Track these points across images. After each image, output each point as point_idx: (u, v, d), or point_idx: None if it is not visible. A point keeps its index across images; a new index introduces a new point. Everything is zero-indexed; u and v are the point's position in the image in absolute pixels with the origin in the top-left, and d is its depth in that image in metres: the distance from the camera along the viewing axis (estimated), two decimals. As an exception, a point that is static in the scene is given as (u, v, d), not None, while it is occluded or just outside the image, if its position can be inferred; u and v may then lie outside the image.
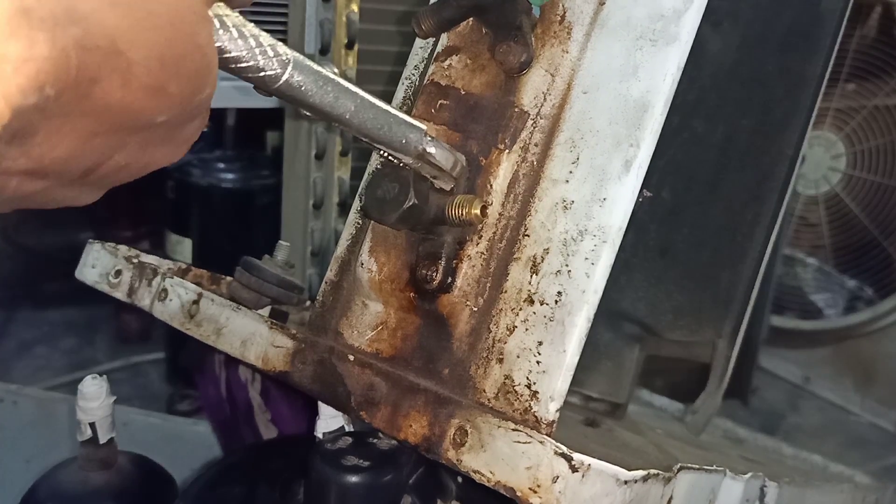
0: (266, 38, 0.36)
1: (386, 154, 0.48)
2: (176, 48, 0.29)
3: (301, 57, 0.39)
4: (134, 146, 0.31)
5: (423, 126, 0.48)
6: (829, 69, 0.76)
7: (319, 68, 0.40)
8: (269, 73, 0.37)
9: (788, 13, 0.72)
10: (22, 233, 1.89)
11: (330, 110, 0.41)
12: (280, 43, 0.37)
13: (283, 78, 0.37)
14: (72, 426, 0.68)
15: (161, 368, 1.69)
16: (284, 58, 0.37)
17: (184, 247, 1.51)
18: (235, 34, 0.35)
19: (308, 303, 0.76)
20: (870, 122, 1.89)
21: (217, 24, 0.34)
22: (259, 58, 0.36)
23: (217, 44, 0.34)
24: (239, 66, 0.36)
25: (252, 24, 0.36)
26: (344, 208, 1.20)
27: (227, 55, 0.35)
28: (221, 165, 1.55)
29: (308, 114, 0.42)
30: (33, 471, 0.69)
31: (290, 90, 0.38)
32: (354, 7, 1.15)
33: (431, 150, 0.49)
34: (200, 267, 0.75)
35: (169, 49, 0.29)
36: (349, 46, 1.15)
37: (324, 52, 1.14)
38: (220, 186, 1.54)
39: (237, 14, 0.35)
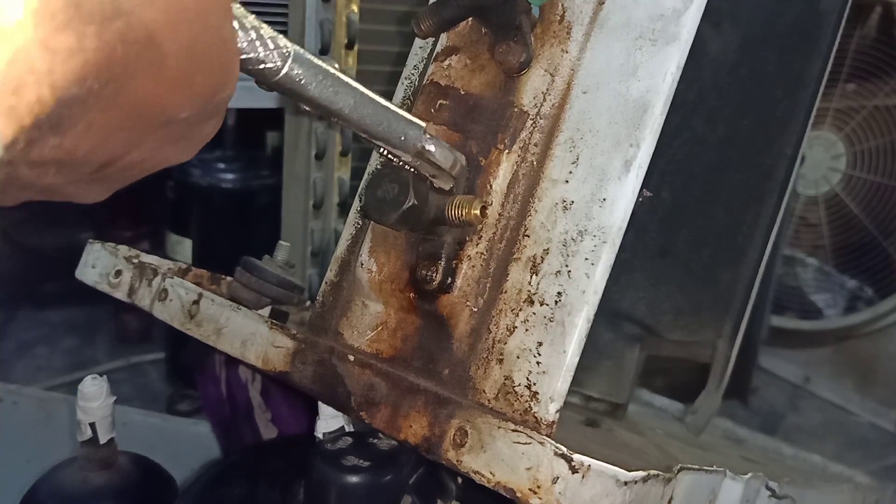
0: (267, 31, 0.36)
1: (385, 151, 0.48)
2: (203, 42, 0.30)
3: (301, 50, 0.38)
4: (152, 142, 0.32)
5: (422, 123, 0.48)
6: (829, 69, 0.76)
7: (320, 62, 0.40)
8: (269, 65, 0.37)
9: (788, 13, 0.72)
10: (22, 233, 1.89)
11: (329, 105, 0.41)
12: (281, 35, 0.37)
13: (284, 71, 0.37)
14: (72, 426, 0.68)
15: (161, 368, 1.69)
16: (285, 50, 0.37)
17: (184, 247, 1.51)
18: (236, 26, 0.35)
19: (308, 303, 0.76)
20: (870, 122, 1.89)
21: None
22: (260, 50, 0.36)
23: None
24: (240, 58, 0.35)
25: (253, 17, 0.36)
26: (344, 208, 1.20)
27: None
28: (221, 165, 1.55)
29: (307, 108, 0.42)
30: (33, 471, 0.69)
31: (290, 83, 0.38)
32: (354, 7, 1.15)
33: (430, 147, 0.49)
34: (200, 267, 0.75)
35: (197, 43, 0.29)
36: (349, 46, 1.15)
37: (324, 52, 1.14)
38: (220, 186, 1.53)
39: (238, 5, 0.35)
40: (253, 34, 0.35)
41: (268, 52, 0.36)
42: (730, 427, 1.11)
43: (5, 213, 1.89)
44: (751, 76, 0.71)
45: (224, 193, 1.54)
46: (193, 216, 1.53)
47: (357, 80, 0.43)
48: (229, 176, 1.54)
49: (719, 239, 0.75)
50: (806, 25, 0.74)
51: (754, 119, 0.73)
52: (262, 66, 0.36)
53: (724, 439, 1.07)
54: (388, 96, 0.57)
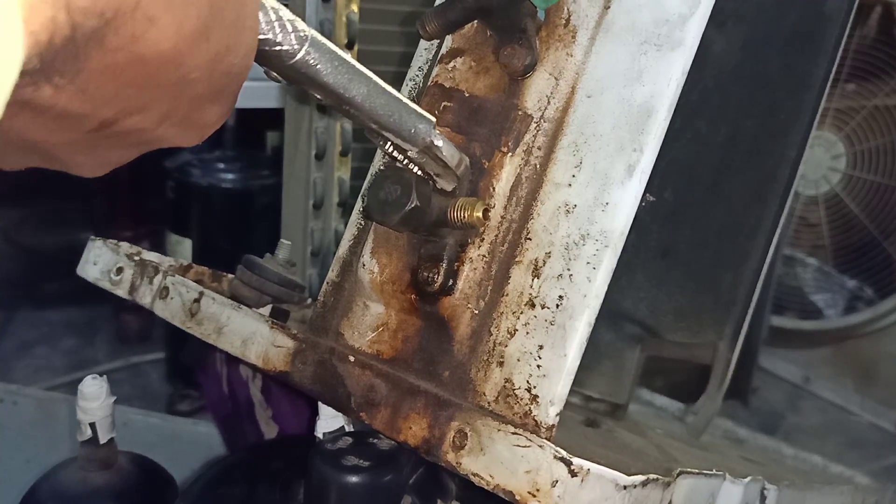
0: (286, 13, 0.35)
1: (392, 147, 0.47)
2: None
3: (318, 35, 0.38)
4: (156, 110, 0.31)
5: (432, 118, 0.47)
6: (834, 71, 0.76)
7: (336, 48, 0.39)
8: (285, 48, 0.36)
9: (793, 14, 0.71)
10: (22, 233, 1.89)
11: (342, 92, 0.40)
12: (299, 19, 0.36)
13: (300, 55, 0.36)
14: (72, 426, 0.68)
15: (161, 368, 1.69)
16: (303, 34, 0.36)
17: (184, 247, 1.51)
18: None
19: (309, 300, 0.76)
20: (870, 122, 1.89)
21: None
22: (277, 31, 0.35)
23: None
24: (258, 35, 0.35)
25: None
26: (344, 209, 1.20)
27: None
28: (221, 165, 1.55)
29: (318, 96, 0.41)
30: (33, 471, 0.69)
31: (305, 67, 0.37)
32: (354, 7, 1.14)
33: (439, 143, 0.48)
34: (200, 267, 0.75)
35: None
36: (349, 46, 1.15)
37: (324, 51, 1.13)
38: (220, 186, 1.53)
39: None
40: (272, 15, 0.35)
41: (286, 35, 0.35)
42: (730, 427, 1.11)
43: (5, 214, 1.89)
44: (754, 77, 0.71)
45: (224, 193, 1.54)
46: (193, 216, 1.53)
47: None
48: (229, 176, 1.54)
49: (721, 240, 0.75)
50: (811, 27, 0.74)
51: (757, 120, 0.73)
52: (278, 49, 0.35)
53: (725, 439, 1.08)
54: (389, 97, 0.57)
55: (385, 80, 0.44)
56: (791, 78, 0.74)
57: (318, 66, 0.38)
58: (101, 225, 1.83)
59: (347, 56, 0.40)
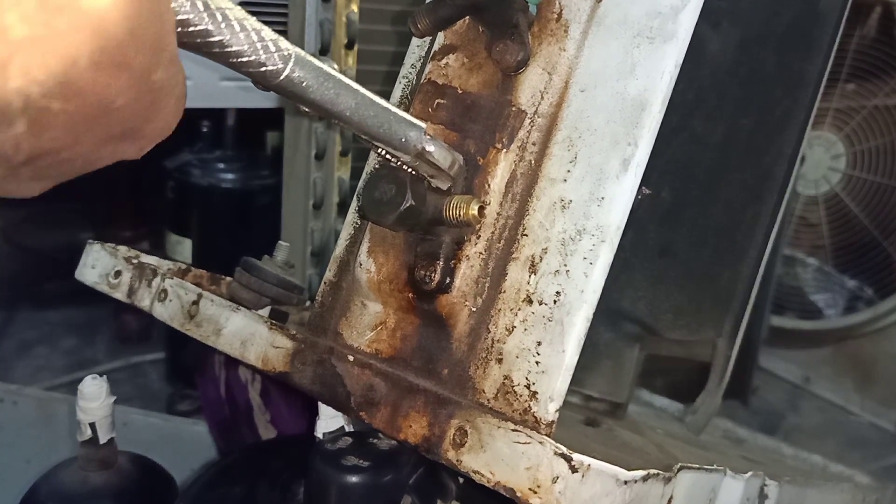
0: (268, 33, 0.36)
1: (385, 152, 0.48)
2: (142, 15, 0.28)
3: (303, 52, 0.39)
4: (90, 139, 0.30)
5: (423, 125, 0.48)
6: (829, 68, 0.76)
7: (321, 64, 0.40)
8: (270, 68, 0.37)
9: (788, 12, 0.72)
10: (22, 233, 1.89)
11: (330, 107, 0.41)
12: (282, 38, 0.37)
13: (285, 73, 0.37)
14: (72, 426, 0.68)
15: (161, 368, 1.69)
16: (286, 53, 0.37)
17: (184, 247, 1.51)
18: (237, 28, 0.35)
19: (308, 303, 0.76)
20: (870, 122, 1.89)
21: (220, 18, 0.34)
22: (261, 52, 0.36)
23: (219, 37, 0.34)
24: (240, 60, 0.35)
25: (254, 19, 0.36)
26: (344, 208, 1.20)
27: (229, 49, 0.35)
28: (221, 165, 1.55)
29: (308, 110, 0.42)
30: (33, 471, 0.69)
31: (291, 86, 0.38)
32: (354, 7, 1.15)
33: (430, 148, 0.49)
34: (200, 267, 0.75)
35: (137, 19, 0.28)
36: (349, 46, 1.15)
37: (324, 52, 1.14)
38: (220, 186, 1.54)
39: (240, 7, 0.35)
40: (254, 36, 0.36)
41: (269, 55, 0.36)
42: (730, 427, 1.11)
43: (5, 214, 1.89)
44: (750, 76, 0.71)
45: (224, 193, 1.54)
46: (193, 216, 1.54)
47: (357, 79, 0.43)
48: (229, 176, 1.55)
49: (719, 238, 0.75)
50: (805, 25, 0.74)
51: (754, 118, 0.73)
52: (263, 69, 0.37)
53: (724, 439, 1.07)
54: (389, 96, 0.57)
55: (385, 79, 0.45)
56: (787, 76, 0.74)
57: (304, 84, 0.39)
58: (101, 225, 1.83)
59: (334, 71, 0.41)
